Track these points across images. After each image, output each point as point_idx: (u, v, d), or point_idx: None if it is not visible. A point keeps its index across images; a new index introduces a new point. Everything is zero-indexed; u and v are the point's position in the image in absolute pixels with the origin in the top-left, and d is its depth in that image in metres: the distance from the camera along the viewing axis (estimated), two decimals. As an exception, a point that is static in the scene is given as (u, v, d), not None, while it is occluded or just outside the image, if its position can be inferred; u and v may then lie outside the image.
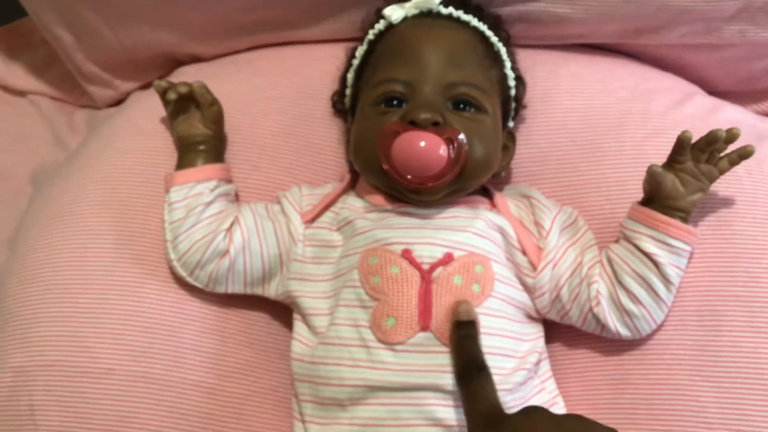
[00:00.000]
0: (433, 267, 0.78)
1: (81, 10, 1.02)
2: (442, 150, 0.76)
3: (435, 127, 0.78)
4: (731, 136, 0.79)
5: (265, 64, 1.05)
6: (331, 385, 0.77)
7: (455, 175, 0.78)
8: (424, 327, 0.76)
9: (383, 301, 0.77)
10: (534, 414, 0.66)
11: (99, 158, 0.99)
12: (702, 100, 1.00)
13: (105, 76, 1.12)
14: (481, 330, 0.77)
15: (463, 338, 0.74)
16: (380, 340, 0.76)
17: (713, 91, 1.05)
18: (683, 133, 0.79)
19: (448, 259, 0.79)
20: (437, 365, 0.75)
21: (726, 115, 0.98)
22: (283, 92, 1.00)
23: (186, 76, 1.07)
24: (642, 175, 0.82)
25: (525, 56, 0.97)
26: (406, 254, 0.78)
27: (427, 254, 0.79)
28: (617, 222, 0.86)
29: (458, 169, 0.78)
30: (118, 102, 1.16)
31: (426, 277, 0.78)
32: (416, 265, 0.78)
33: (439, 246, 0.79)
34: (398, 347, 0.76)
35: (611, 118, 0.95)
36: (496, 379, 0.75)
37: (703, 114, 0.97)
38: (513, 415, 0.65)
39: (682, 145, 0.79)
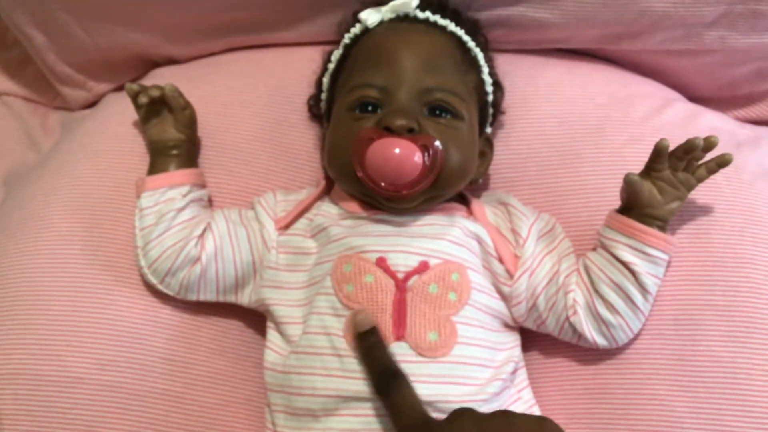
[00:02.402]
0: (408, 276, 0.77)
1: (53, 10, 1.00)
2: (417, 157, 0.75)
3: (410, 133, 0.77)
4: (709, 144, 0.79)
5: (242, 67, 1.04)
6: (303, 395, 0.76)
7: (430, 182, 0.77)
8: (399, 337, 0.75)
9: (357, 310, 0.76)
10: (459, 418, 0.64)
11: (70, 162, 0.97)
12: (682, 106, 1.00)
13: (78, 78, 1.11)
14: (458, 340, 0.76)
15: (370, 348, 0.73)
16: (354, 349, 0.75)
17: (693, 96, 1.05)
18: (660, 141, 0.78)
19: (423, 267, 0.77)
20: (412, 375, 0.73)
21: (706, 121, 0.98)
22: (259, 96, 0.99)
23: (161, 77, 1.05)
24: (621, 181, 0.81)
25: (504, 61, 0.96)
26: (381, 262, 0.77)
27: (402, 262, 0.78)
28: (595, 229, 0.85)
29: (433, 176, 0.77)
30: (93, 104, 1.14)
31: (401, 285, 0.77)
32: (391, 274, 0.77)
33: (414, 254, 0.78)
34: None
35: (590, 124, 0.94)
36: (471, 389, 0.75)
37: (682, 120, 0.96)
38: (440, 422, 0.65)
39: (659, 153, 0.79)
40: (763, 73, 1.02)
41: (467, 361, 0.76)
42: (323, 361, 0.76)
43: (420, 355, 0.74)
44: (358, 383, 0.73)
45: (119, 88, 1.11)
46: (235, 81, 1.01)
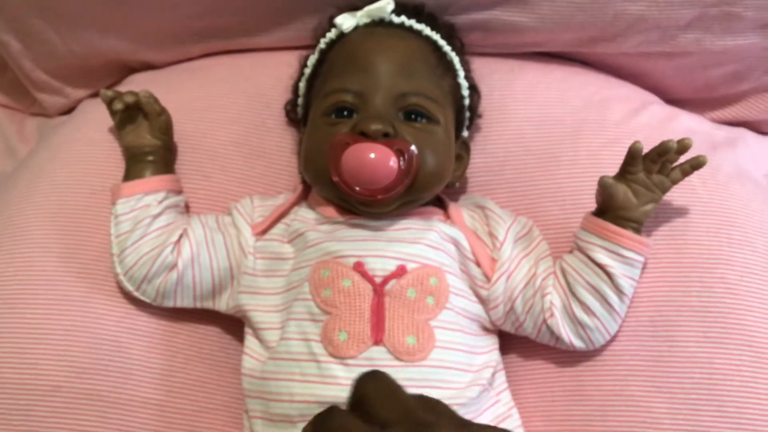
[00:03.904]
0: (386, 280, 0.77)
1: (27, 16, 1.00)
2: (393, 162, 0.75)
3: (385, 138, 0.77)
4: (683, 146, 0.79)
5: (219, 72, 1.03)
6: (281, 401, 0.76)
7: (406, 186, 0.77)
8: (377, 341, 0.75)
9: (335, 315, 0.76)
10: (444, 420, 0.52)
11: (46, 169, 0.96)
12: (658, 108, 1.00)
13: (55, 84, 1.10)
14: (436, 344, 0.76)
15: None
16: (331, 354, 0.75)
17: (670, 98, 1.05)
18: (634, 144, 0.78)
19: (401, 271, 0.77)
20: None
21: (682, 123, 0.98)
22: (235, 101, 0.99)
23: (138, 83, 1.05)
24: (597, 184, 0.82)
25: (481, 64, 0.96)
26: (359, 267, 0.77)
27: (379, 267, 0.78)
28: (572, 231, 0.86)
29: (409, 181, 0.77)
30: (70, 110, 1.13)
31: (378, 290, 0.76)
32: (368, 278, 0.77)
33: (392, 258, 0.78)
34: (350, 361, 0.74)
35: (567, 127, 0.95)
36: (450, 393, 0.75)
37: (659, 123, 0.96)
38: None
39: (633, 156, 0.79)
40: (738, 75, 1.02)
41: (445, 365, 0.76)
42: (301, 367, 0.75)
43: (398, 359, 0.74)
44: (336, 389, 0.73)
45: (96, 94, 1.10)
46: (212, 86, 1.01)
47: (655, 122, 0.96)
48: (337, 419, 0.48)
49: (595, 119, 0.95)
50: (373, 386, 0.51)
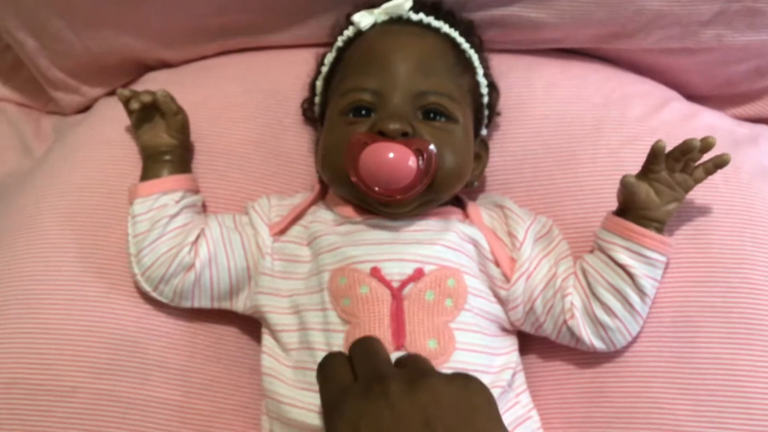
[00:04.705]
0: (404, 284, 0.76)
1: (44, 14, 1.00)
2: (411, 161, 0.74)
3: (404, 137, 0.76)
4: (706, 145, 0.78)
5: (235, 70, 1.03)
6: (308, 410, 0.74)
7: (425, 186, 0.76)
8: (398, 346, 0.74)
9: (355, 323, 0.75)
10: (391, 380, 0.58)
11: (62, 168, 0.96)
12: (679, 105, 0.99)
13: (71, 82, 1.10)
14: (456, 346, 0.75)
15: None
16: None
17: (691, 95, 1.04)
18: (657, 142, 0.77)
19: (418, 274, 0.77)
20: None
21: (703, 120, 0.97)
22: (252, 99, 0.98)
23: (154, 82, 1.05)
24: (618, 182, 0.81)
25: (499, 61, 0.95)
26: (375, 273, 0.76)
27: (396, 271, 0.77)
28: (592, 230, 0.85)
29: (428, 180, 0.76)
30: (86, 108, 1.13)
31: (397, 295, 0.76)
32: (386, 283, 0.76)
33: (409, 261, 0.77)
34: None
35: (586, 125, 0.94)
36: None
37: (679, 120, 0.95)
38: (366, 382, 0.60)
39: (655, 154, 0.78)
40: (761, 71, 1.01)
41: (466, 367, 0.75)
42: None
43: None
44: None
45: (112, 93, 1.09)
46: (228, 84, 1.00)
47: (676, 119, 0.95)
48: (334, 361, 0.64)
49: (615, 116, 0.94)
50: (355, 348, 0.64)
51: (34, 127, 1.19)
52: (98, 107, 1.09)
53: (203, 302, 0.85)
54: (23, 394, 0.84)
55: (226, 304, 0.86)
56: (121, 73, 1.09)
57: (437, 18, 0.85)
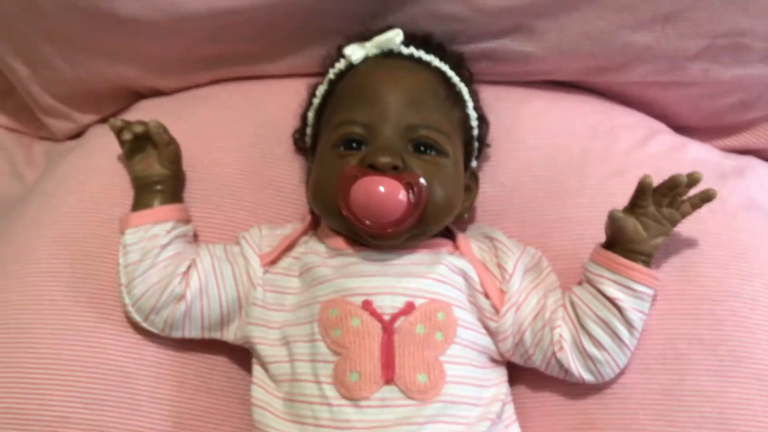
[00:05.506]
0: (395, 317, 0.77)
1: (35, 42, 1.00)
2: (402, 195, 0.75)
3: (394, 171, 0.76)
4: (693, 180, 0.79)
5: (227, 99, 1.03)
6: None
7: (415, 219, 0.77)
8: (388, 380, 0.74)
9: (345, 355, 0.75)
10: None
11: (55, 196, 0.96)
12: (666, 138, 1.00)
13: (63, 109, 1.10)
14: (447, 379, 0.76)
15: None
16: (344, 396, 0.74)
17: (678, 126, 1.05)
18: (644, 178, 0.78)
19: (409, 308, 0.77)
20: (403, 419, 0.73)
21: (690, 153, 0.98)
22: (244, 128, 0.99)
23: (146, 110, 1.05)
24: (605, 214, 0.81)
25: (489, 93, 0.96)
26: (367, 305, 0.77)
27: (388, 304, 0.77)
28: (581, 262, 0.85)
29: (418, 214, 0.77)
30: (78, 134, 1.13)
31: (388, 328, 0.76)
32: (377, 317, 0.76)
33: (400, 295, 0.78)
34: (363, 403, 0.74)
35: (574, 157, 0.95)
36: (459, 428, 0.75)
37: (667, 152, 0.96)
38: None
39: (643, 190, 0.79)
40: (746, 103, 1.02)
41: (456, 400, 0.76)
42: (313, 410, 0.75)
43: (410, 398, 0.74)
44: None
45: (104, 120, 1.09)
46: (221, 114, 1.01)
47: (663, 151, 0.96)
48: None
49: (603, 149, 0.95)
50: None
51: (26, 152, 1.19)
52: (90, 135, 1.08)
53: (194, 333, 0.85)
54: (12, 423, 0.83)
55: (216, 335, 0.86)
56: (113, 100, 1.09)
57: (428, 51, 0.86)
